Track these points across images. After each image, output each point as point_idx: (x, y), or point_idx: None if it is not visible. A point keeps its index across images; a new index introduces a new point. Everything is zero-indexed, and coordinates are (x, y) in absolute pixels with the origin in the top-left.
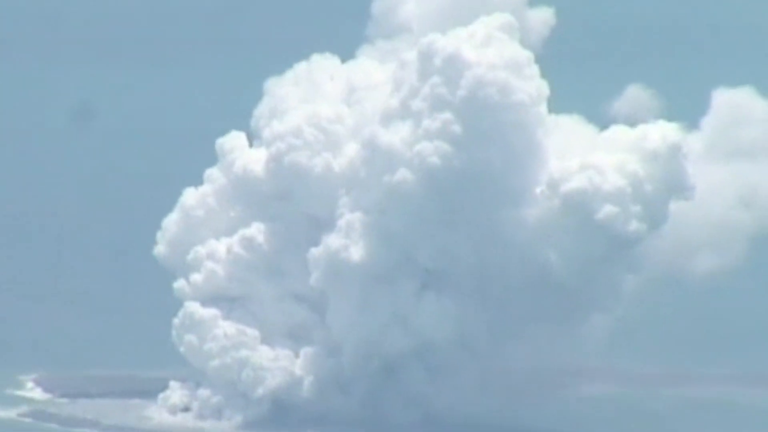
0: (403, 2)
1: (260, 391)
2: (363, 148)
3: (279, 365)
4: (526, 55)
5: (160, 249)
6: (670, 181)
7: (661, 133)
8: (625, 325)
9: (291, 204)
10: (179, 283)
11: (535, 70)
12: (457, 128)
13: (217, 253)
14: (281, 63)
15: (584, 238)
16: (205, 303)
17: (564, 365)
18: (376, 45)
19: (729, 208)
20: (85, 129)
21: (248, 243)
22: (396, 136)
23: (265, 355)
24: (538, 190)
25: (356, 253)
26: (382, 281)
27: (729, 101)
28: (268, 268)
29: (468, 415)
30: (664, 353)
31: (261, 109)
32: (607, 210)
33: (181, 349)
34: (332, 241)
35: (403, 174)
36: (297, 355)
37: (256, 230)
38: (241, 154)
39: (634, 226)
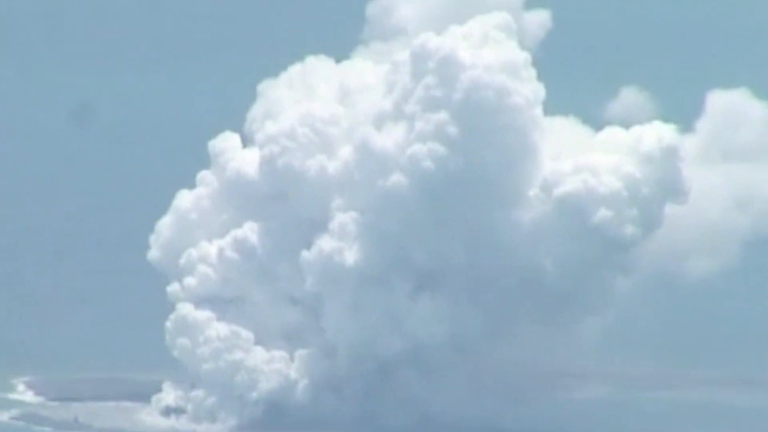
0: (398, 4)
1: (255, 394)
2: (356, 152)
3: (273, 368)
4: (523, 57)
5: (153, 253)
6: (665, 183)
7: (656, 134)
8: (618, 328)
9: (285, 206)
10: (173, 287)
11: (531, 72)
12: (451, 130)
13: (210, 256)
14: (275, 65)
15: (578, 242)
16: (199, 305)
17: (557, 367)
18: (371, 47)
19: (724, 211)
20: (79, 131)
21: (241, 245)
22: (389, 138)
23: (259, 357)
24: (531, 193)
25: (350, 256)
26: (376, 283)
27: (724, 103)
28: (261, 271)
29: (462, 417)
30: (657, 355)
31: (255, 112)
32: (602, 214)
33: (175, 353)
34: (326, 243)
35: (396, 178)
36: (291, 358)
37: (249, 231)
38: (234, 155)
39: (629, 230)
